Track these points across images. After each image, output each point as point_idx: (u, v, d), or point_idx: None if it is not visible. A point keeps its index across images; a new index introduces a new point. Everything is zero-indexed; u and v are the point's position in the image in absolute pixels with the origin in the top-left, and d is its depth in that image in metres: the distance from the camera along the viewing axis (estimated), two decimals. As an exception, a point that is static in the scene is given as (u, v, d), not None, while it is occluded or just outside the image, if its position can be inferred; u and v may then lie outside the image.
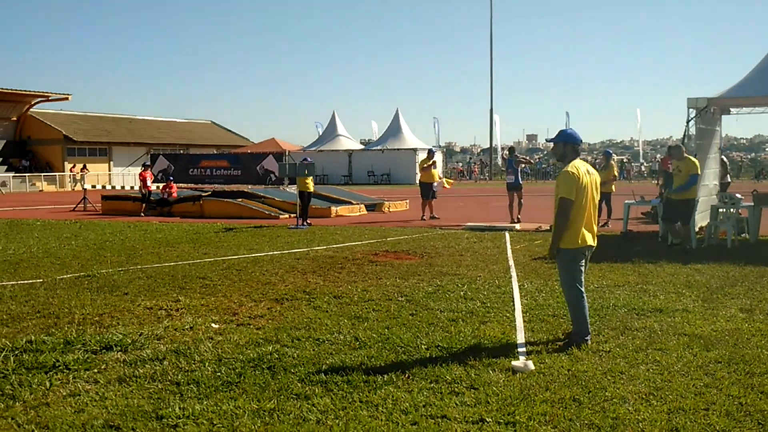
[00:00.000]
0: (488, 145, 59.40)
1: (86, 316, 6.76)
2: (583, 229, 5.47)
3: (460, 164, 67.97)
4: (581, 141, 5.73)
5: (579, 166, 5.52)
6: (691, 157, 10.90)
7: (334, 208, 19.44)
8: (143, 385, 4.69)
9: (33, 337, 5.88)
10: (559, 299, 7.24)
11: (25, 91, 45.77)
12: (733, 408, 4.16)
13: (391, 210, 21.23)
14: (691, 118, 11.52)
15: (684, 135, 12.16)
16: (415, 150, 45.88)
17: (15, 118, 48.08)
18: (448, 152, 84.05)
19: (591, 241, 5.55)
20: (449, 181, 19.52)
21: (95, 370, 5.04)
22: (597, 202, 5.66)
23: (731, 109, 13.35)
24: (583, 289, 5.55)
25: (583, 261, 5.58)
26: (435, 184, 17.93)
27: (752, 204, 12.07)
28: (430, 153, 18.55)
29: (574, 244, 5.47)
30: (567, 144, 5.62)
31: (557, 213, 5.46)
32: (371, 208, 21.04)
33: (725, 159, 16.18)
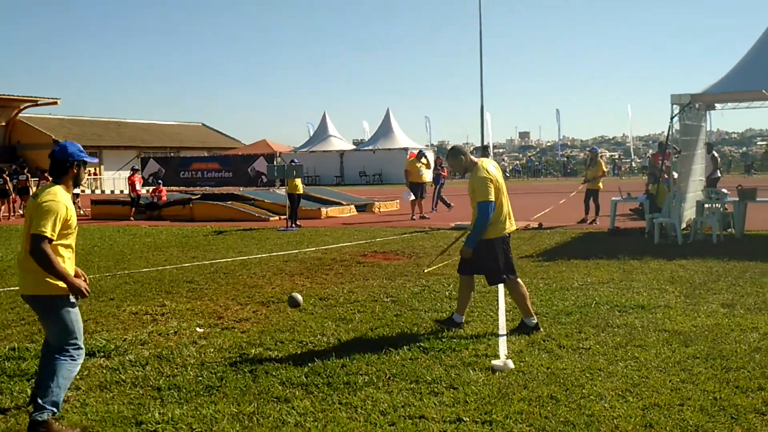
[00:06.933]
0: (480, 143, 59.43)
1: (71, 323, 6.74)
2: None
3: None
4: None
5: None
6: (482, 168, 5.87)
7: (324, 210, 19.45)
8: (124, 391, 4.71)
9: (16, 345, 5.89)
10: (542, 297, 7.29)
11: (13, 96, 45.50)
12: (708, 403, 4.21)
13: (381, 210, 21.26)
14: (675, 115, 11.59)
15: (669, 131, 12.25)
16: (406, 149, 45.87)
17: (3, 124, 47.81)
18: (441, 151, 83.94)
19: None
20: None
21: (77, 377, 5.04)
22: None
23: (716, 105, 13.43)
24: None
25: None
26: (404, 192, 18.29)
27: (737, 199, 12.15)
28: (420, 154, 18.57)
29: None
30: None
31: None
32: (362, 208, 21.07)
33: (716, 154, 16.28)
